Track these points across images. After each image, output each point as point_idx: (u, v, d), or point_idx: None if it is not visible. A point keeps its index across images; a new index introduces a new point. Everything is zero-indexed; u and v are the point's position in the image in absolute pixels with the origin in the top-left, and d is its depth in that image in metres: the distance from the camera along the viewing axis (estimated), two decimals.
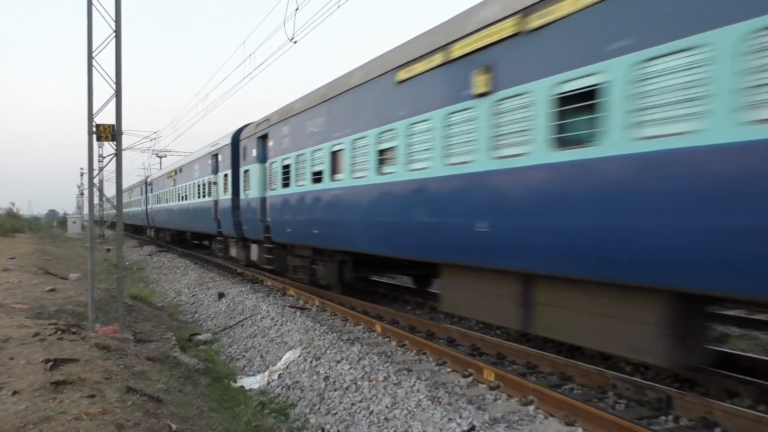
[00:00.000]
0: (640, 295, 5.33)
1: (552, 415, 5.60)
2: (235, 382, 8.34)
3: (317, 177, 11.45)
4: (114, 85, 9.41)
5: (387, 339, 9.09)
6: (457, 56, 7.32)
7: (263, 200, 14.81)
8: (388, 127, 8.85)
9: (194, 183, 22.50)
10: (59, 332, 7.92)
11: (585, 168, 5.48)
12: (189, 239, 29.25)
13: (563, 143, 5.76)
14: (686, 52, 4.63)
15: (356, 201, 9.86)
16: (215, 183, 19.42)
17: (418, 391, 6.25)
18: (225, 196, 18.05)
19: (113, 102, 9.46)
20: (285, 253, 14.42)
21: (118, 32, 9.38)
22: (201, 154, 22.02)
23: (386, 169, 8.95)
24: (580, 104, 5.59)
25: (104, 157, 41.30)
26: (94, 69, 9.19)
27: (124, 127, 9.63)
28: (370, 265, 11.74)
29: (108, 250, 28.69)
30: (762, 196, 4.11)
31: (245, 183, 16.26)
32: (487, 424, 5.27)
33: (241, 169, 16.75)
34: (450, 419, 5.45)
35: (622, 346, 5.56)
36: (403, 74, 8.53)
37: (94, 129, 9.29)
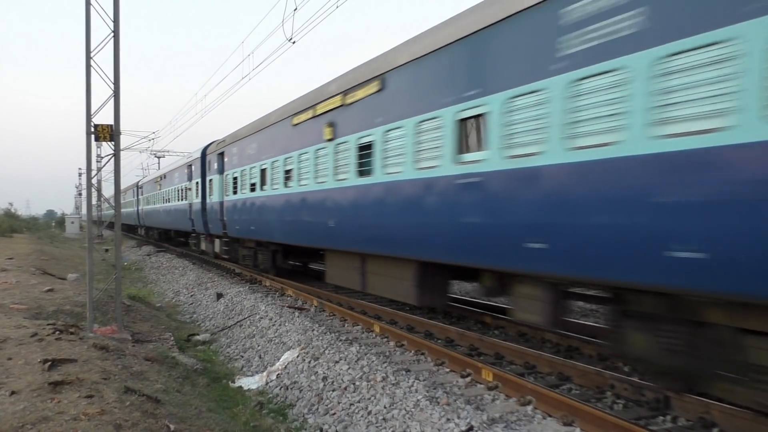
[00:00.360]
0: (404, 263, 8.83)
1: (550, 415, 5.61)
2: (234, 382, 8.34)
3: (253, 187, 15.25)
4: (112, 85, 9.41)
5: (385, 339, 9.09)
6: (319, 113, 11.18)
7: (221, 204, 18.52)
8: (289, 155, 12.72)
9: (175, 188, 26.51)
10: (57, 332, 7.91)
11: (368, 188, 9.27)
12: (173, 236, 33.26)
13: (361, 174, 9.51)
14: (399, 129, 8.46)
15: (274, 205, 13.62)
16: (189, 189, 23.17)
17: (416, 391, 6.26)
18: (197, 200, 21.76)
19: (111, 102, 9.46)
20: (237, 245, 18.41)
21: (116, 32, 9.37)
22: (180, 164, 26.04)
23: (289, 183, 12.70)
24: (366, 152, 9.36)
25: (102, 158, 41.31)
26: (92, 69, 9.18)
27: (122, 128, 9.63)
28: (295, 254, 15.39)
29: (106, 250, 28.70)
30: (419, 206, 7.92)
31: (210, 189, 20.12)
32: (485, 424, 5.28)
33: (207, 178, 20.61)
34: (448, 419, 5.45)
35: (401, 294, 9.04)
36: (295, 120, 12.39)
37: (93, 129, 9.28)
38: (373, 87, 9.21)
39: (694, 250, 4.50)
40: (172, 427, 5.08)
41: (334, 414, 6.49)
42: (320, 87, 11.65)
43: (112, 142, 9.52)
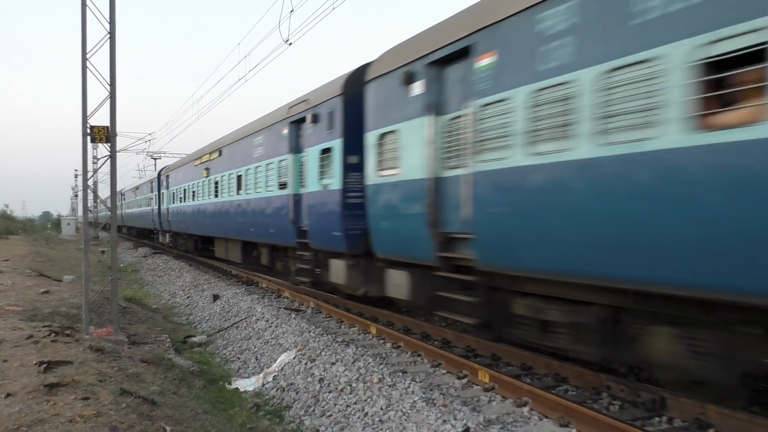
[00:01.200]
0: (237, 242, 17.43)
1: (546, 417, 5.62)
2: (230, 384, 8.32)
3: (182, 200, 24.42)
4: (108, 87, 9.39)
5: (382, 341, 9.09)
6: (203, 162, 20.63)
7: (168, 209, 27.69)
8: (196, 182, 21.80)
9: (144, 197, 35.87)
10: (53, 334, 7.89)
11: (218, 203, 18.64)
12: (146, 234, 41.89)
13: (216, 195, 18.96)
14: (225, 176, 18.13)
15: (190, 211, 22.57)
16: (152, 198, 32.06)
17: (412, 392, 6.25)
18: (155, 207, 30.70)
19: (107, 103, 9.45)
20: (178, 237, 27.67)
21: (112, 34, 9.36)
22: (147, 180, 36.36)
23: (194, 199, 21.90)
24: (217, 185, 18.87)
25: (98, 159, 41.28)
26: (88, 70, 9.17)
27: (118, 129, 9.63)
28: (210, 242, 22.43)
29: (102, 252, 28.60)
30: (231, 214, 17.23)
31: (162, 199, 29.36)
32: (481, 426, 5.28)
33: (161, 191, 29.70)
34: (444, 421, 5.45)
35: (238, 258, 17.67)
36: (195, 163, 21.85)
37: (89, 131, 9.26)
38: (217, 153, 18.89)
39: (273, 229, 13.28)
40: (168, 429, 5.07)
41: (331, 416, 6.49)
42: (205, 146, 21.62)
43: (108, 144, 9.50)
